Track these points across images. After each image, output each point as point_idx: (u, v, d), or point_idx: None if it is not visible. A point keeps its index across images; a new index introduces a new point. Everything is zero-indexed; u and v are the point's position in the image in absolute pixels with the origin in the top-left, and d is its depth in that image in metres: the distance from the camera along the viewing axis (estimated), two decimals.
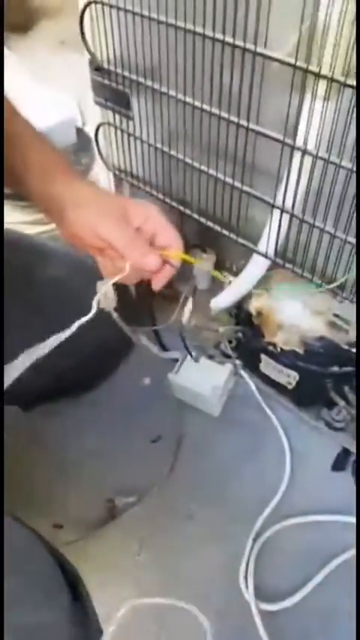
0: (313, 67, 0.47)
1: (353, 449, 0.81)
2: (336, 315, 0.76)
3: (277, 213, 0.60)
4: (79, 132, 1.03)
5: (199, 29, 0.53)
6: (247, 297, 0.84)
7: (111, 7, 0.58)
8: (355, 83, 0.45)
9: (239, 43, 0.50)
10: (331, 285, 0.62)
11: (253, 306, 0.82)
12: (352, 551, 0.73)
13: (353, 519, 0.75)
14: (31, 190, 0.58)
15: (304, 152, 0.52)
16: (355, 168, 0.50)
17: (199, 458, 0.83)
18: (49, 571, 0.39)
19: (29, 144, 0.58)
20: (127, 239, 0.55)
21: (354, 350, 0.75)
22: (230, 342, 0.95)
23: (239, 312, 0.90)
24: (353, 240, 0.55)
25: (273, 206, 0.60)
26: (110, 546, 0.75)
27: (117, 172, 0.79)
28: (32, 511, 0.70)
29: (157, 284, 0.63)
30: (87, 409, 0.90)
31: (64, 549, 0.47)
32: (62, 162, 0.60)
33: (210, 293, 0.97)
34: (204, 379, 0.88)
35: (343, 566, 0.71)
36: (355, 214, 0.53)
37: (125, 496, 0.79)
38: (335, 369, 0.77)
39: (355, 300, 0.64)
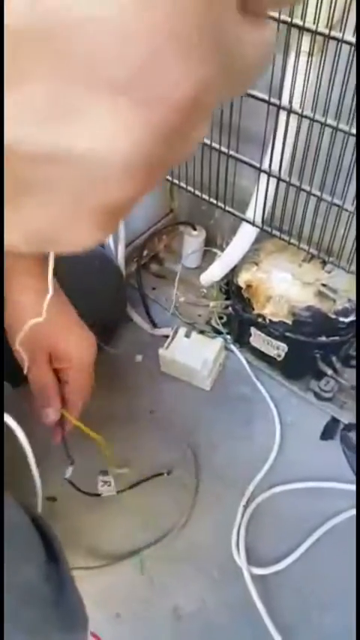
0: (297, 21, 0.47)
1: (341, 418, 0.82)
2: (324, 285, 0.76)
3: (264, 177, 0.60)
4: None
5: None
6: (237, 271, 0.85)
7: None
8: (340, 35, 0.45)
9: None
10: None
11: (243, 279, 0.83)
12: (341, 517, 0.73)
13: (341, 486, 0.76)
14: None
15: (290, 111, 0.53)
16: (352, 130, 0.50)
17: (191, 431, 0.84)
18: (25, 531, 0.39)
19: None
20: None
21: (341, 318, 0.75)
22: (221, 317, 0.96)
23: (229, 287, 0.91)
24: (339, 202, 0.55)
25: (260, 170, 0.60)
26: (107, 519, 0.75)
27: None
28: (25, 485, 0.71)
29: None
30: None
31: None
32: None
33: (200, 271, 0.98)
34: (194, 354, 0.88)
35: (332, 531, 0.72)
36: (352, 178, 0.53)
37: (119, 467, 0.79)
38: (323, 338, 0.78)
39: (351, 270, 0.65)
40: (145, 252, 1.06)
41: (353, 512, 0.74)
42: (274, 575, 0.69)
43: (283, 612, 0.66)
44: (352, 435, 0.81)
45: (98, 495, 0.75)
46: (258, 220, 0.64)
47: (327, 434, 0.83)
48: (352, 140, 0.50)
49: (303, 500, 0.76)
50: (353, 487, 0.76)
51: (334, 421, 0.83)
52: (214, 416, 0.86)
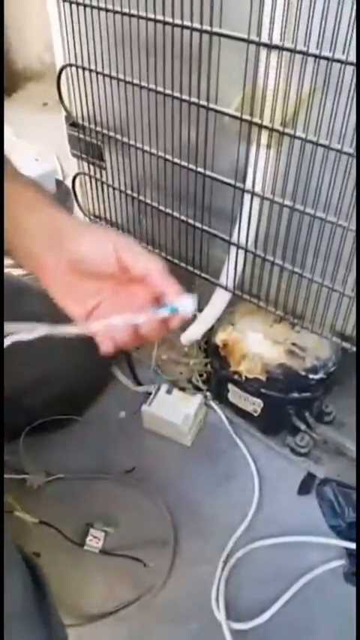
0: (257, 119, 0.55)
1: (317, 472, 0.85)
2: (293, 344, 0.82)
3: (233, 249, 0.67)
4: (59, 184, 1.11)
5: (160, 89, 0.61)
6: (214, 331, 0.90)
7: (84, 69, 0.66)
8: (292, 132, 0.53)
9: (195, 100, 0.58)
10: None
11: (219, 338, 0.88)
12: (320, 569, 0.75)
13: (319, 539, 0.78)
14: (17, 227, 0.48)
15: (253, 194, 0.60)
16: (306, 210, 0.57)
17: (171, 486, 0.87)
18: (11, 555, 0.41)
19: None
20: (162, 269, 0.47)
21: (311, 375, 0.80)
22: (201, 375, 1.00)
23: (208, 346, 0.96)
24: (299, 270, 0.62)
25: (230, 243, 0.67)
26: (85, 572, 0.76)
27: (92, 217, 0.87)
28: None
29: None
30: (66, 442, 0.93)
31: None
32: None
33: (181, 331, 1.03)
34: (176, 409, 0.92)
35: (311, 584, 0.74)
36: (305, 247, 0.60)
37: (104, 525, 0.81)
38: (295, 394, 0.83)
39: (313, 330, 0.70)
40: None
41: (330, 565, 0.76)
42: (254, 630, 0.70)
43: None
44: (328, 489, 0.84)
45: (81, 546, 0.77)
46: (230, 286, 0.70)
47: (304, 489, 0.86)
48: (307, 218, 0.57)
49: (281, 554, 0.78)
50: (329, 541, 0.79)
51: (310, 476, 0.87)
52: (195, 471, 0.89)
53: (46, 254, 0.48)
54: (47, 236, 0.47)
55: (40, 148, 1.52)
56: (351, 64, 0.46)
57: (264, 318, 0.87)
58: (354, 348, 0.65)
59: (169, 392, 0.95)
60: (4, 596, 0.35)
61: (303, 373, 0.81)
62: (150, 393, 0.96)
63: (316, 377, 0.81)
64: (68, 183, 1.09)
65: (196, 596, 0.74)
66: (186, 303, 0.47)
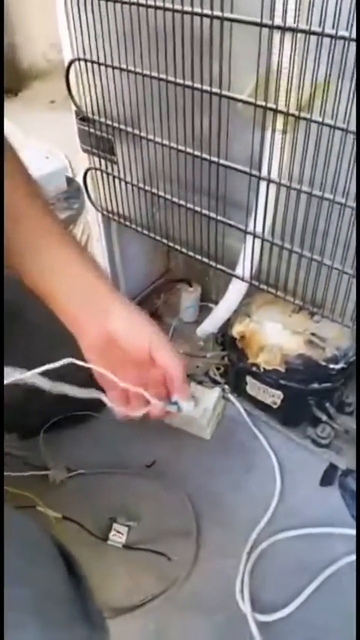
0: (271, 104, 0.54)
1: (339, 464, 0.84)
2: (313, 334, 0.81)
3: (249, 238, 0.66)
4: (70, 181, 1.11)
5: (172, 78, 0.60)
6: (231, 323, 0.90)
7: (93, 62, 0.66)
8: (309, 116, 0.52)
9: (207, 87, 0.57)
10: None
11: (236, 330, 0.87)
12: (343, 561, 0.75)
13: (342, 531, 0.78)
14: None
15: (269, 181, 0.59)
16: (325, 195, 0.56)
17: (192, 479, 0.86)
18: (47, 547, 0.41)
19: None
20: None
21: (331, 365, 0.79)
22: (218, 368, 1.00)
23: (224, 338, 0.95)
24: (318, 257, 0.61)
25: (246, 232, 0.66)
26: (109, 567, 0.76)
27: (105, 213, 0.86)
28: None
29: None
30: (85, 438, 0.93)
31: None
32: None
33: (197, 325, 1.03)
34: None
35: (335, 575, 0.73)
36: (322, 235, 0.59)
37: (127, 519, 0.81)
38: (315, 385, 0.82)
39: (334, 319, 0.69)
40: (144, 310, 1.11)
41: (354, 557, 0.75)
42: (279, 622, 0.70)
43: None
44: (350, 480, 0.83)
45: (105, 540, 0.77)
46: (247, 276, 0.69)
47: (326, 480, 0.85)
48: (326, 203, 0.56)
49: (305, 545, 0.77)
50: (353, 532, 0.78)
51: (333, 467, 0.86)
52: (215, 464, 0.89)
53: (87, 321, 0.51)
54: (84, 298, 0.51)
55: (49, 146, 1.52)
56: None
57: (282, 309, 0.86)
58: None
59: None
60: (46, 584, 0.35)
61: (323, 363, 0.80)
62: None
63: (337, 367, 0.80)
64: (79, 180, 1.09)
65: (220, 588, 0.74)
66: (188, 406, 0.57)
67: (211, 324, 0.89)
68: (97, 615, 0.43)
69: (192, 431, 0.93)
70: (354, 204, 0.54)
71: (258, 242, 0.65)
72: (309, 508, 0.82)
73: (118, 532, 0.80)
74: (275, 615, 0.70)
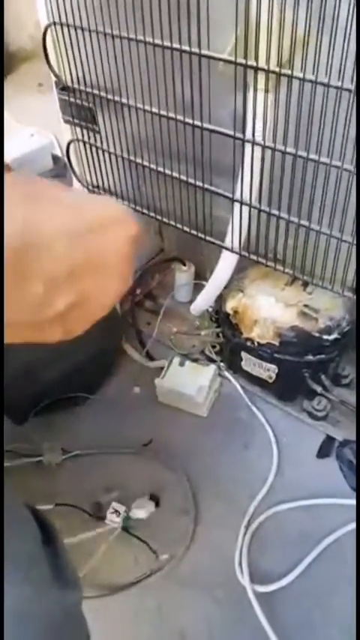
0: (252, 62, 0.52)
1: (336, 435, 0.84)
2: (305, 306, 0.79)
3: (237, 206, 0.64)
4: (56, 160, 1.09)
5: (150, 39, 0.58)
6: (224, 299, 0.88)
7: (69, 27, 0.64)
8: (290, 72, 0.50)
9: (186, 48, 0.56)
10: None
11: (229, 306, 0.86)
12: (341, 531, 0.74)
13: (340, 501, 0.77)
14: None
15: (253, 143, 0.57)
16: (310, 156, 0.54)
17: (190, 456, 0.86)
18: (21, 513, 0.41)
19: None
20: None
21: (325, 336, 0.78)
22: (213, 346, 0.99)
23: (219, 316, 0.94)
24: (306, 222, 0.59)
25: (233, 200, 0.64)
26: (107, 545, 0.76)
27: (91, 188, 0.84)
28: None
29: None
30: (79, 419, 0.93)
31: None
32: None
33: (191, 304, 1.01)
34: (190, 381, 0.90)
35: (333, 546, 0.73)
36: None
37: (124, 498, 0.81)
38: (310, 357, 0.80)
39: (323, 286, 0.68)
40: (138, 290, 1.10)
41: (353, 526, 0.75)
42: (277, 592, 0.69)
43: (289, 628, 0.66)
44: (347, 451, 0.82)
45: (103, 519, 0.76)
46: (236, 247, 0.68)
47: (323, 452, 0.84)
48: (311, 165, 0.54)
49: (303, 517, 0.77)
50: (351, 502, 0.77)
51: (330, 439, 0.85)
52: (212, 441, 0.88)
53: None
54: None
55: (37, 128, 1.50)
56: None
57: (275, 282, 0.84)
58: None
59: (181, 364, 0.93)
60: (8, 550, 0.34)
61: (317, 334, 0.78)
62: (162, 368, 0.94)
63: (330, 337, 0.79)
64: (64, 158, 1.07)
65: (219, 561, 0.73)
66: None
67: (204, 301, 0.88)
68: (69, 575, 0.42)
69: (188, 409, 0.92)
70: (339, 164, 0.52)
71: (246, 210, 0.64)
72: (306, 480, 0.81)
73: (116, 510, 0.80)
74: (274, 586, 0.69)
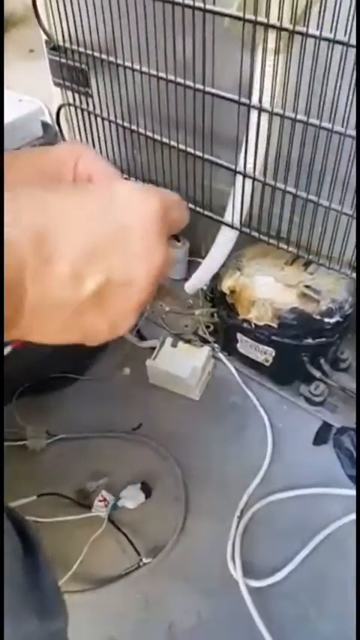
0: (262, 18, 0.47)
1: (334, 422, 0.81)
2: (307, 287, 0.76)
3: (239, 179, 0.60)
4: (46, 127, 1.03)
5: None
6: (220, 277, 0.84)
7: None
8: (304, 30, 0.45)
9: (188, 1, 0.50)
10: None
11: (226, 285, 0.82)
12: (339, 523, 0.71)
13: (337, 491, 0.74)
14: None
15: (260, 110, 0.53)
16: (323, 124, 0.50)
17: (181, 442, 0.82)
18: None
19: None
20: None
21: (326, 319, 0.75)
22: (208, 326, 0.95)
23: (214, 295, 0.90)
24: (314, 198, 0.55)
25: (235, 172, 0.60)
26: (94, 531, 0.73)
27: None
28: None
29: None
30: (64, 402, 0.89)
31: None
32: None
33: (185, 282, 0.97)
34: (182, 363, 0.87)
35: (330, 538, 0.70)
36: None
37: (112, 486, 0.78)
38: (309, 340, 0.77)
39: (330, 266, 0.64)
40: None
41: (351, 517, 0.72)
42: (271, 587, 0.66)
43: (282, 625, 0.63)
44: (345, 438, 0.79)
45: (89, 508, 0.73)
46: (236, 222, 0.63)
47: (320, 439, 0.81)
48: (324, 134, 0.50)
49: (299, 507, 0.74)
50: (349, 492, 0.74)
51: (327, 425, 0.82)
52: (204, 426, 0.85)
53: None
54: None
55: (27, 96, 1.43)
56: None
57: (274, 261, 0.80)
58: None
59: (174, 345, 0.89)
60: None
61: (317, 317, 0.75)
62: (154, 349, 0.90)
63: (332, 321, 0.75)
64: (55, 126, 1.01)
65: (210, 553, 0.70)
66: None
67: (199, 279, 0.83)
68: (51, 601, 0.39)
69: (180, 391, 0.89)
70: (354, 133, 0.48)
71: (248, 183, 0.59)
72: (302, 468, 0.78)
73: (104, 499, 0.76)
74: (268, 580, 0.67)
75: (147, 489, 0.76)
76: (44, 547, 0.41)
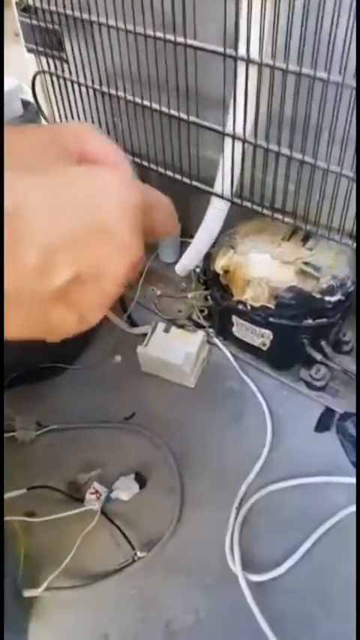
0: None
1: (336, 407, 0.76)
2: (305, 263, 0.71)
3: (228, 142, 0.55)
4: (26, 105, 0.98)
5: None
6: (213, 257, 0.79)
7: None
8: None
9: None
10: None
11: (219, 265, 0.77)
12: (343, 513, 0.67)
13: (340, 479, 0.70)
14: None
15: (248, 61, 0.47)
16: (318, 74, 0.45)
17: (176, 431, 0.78)
18: None
19: None
20: None
21: (327, 298, 0.70)
22: (202, 310, 0.90)
23: (207, 276, 0.85)
24: (311, 159, 0.50)
25: (224, 134, 0.55)
26: (87, 525, 0.69)
27: None
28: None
29: None
30: (55, 392, 0.85)
31: None
32: None
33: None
34: (175, 348, 0.82)
35: (334, 529, 0.66)
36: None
37: (105, 478, 0.73)
38: (309, 321, 0.72)
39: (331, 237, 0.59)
40: None
41: (355, 507, 0.68)
42: (272, 581, 0.62)
43: (284, 621, 0.59)
44: (349, 424, 0.75)
45: (81, 501, 0.69)
46: (227, 192, 0.58)
47: (322, 425, 0.77)
48: (319, 86, 0.45)
49: (300, 497, 0.70)
50: (353, 480, 0.70)
51: (329, 411, 0.77)
52: (200, 414, 0.80)
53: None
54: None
55: (12, 79, 1.37)
56: None
57: (270, 237, 0.75)
58: None
59: (166, 331, 0.84)
60: None
61: (318, 296, 0.70)
62: (146, 335, 0.86)
63: (333, 299, 0.70)
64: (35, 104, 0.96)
65: (208, 546, 0.66)
66: None
67: (190, 259, 0.79)
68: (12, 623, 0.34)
69: (174, 379, 0.84)
70: (353, 83, 0.43)
71: (239, 146, 0.54)
72: (304, 456, 0.74)
73: (96, 491, 0.72)
74: (269, 574, 0.62)
75: (141, 480, 0.72)
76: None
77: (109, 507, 0.70)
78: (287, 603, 0.61)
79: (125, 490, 0.70)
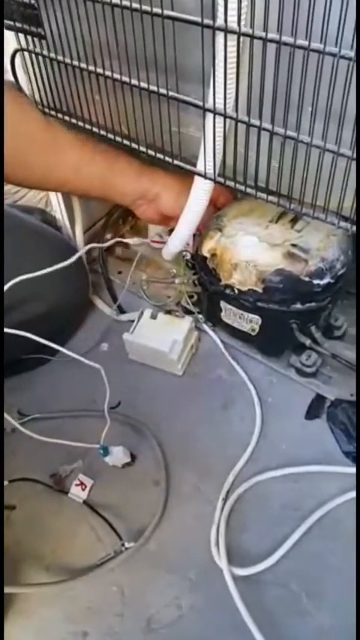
0: None
1: (327, 394, 0.74)
2: (294, 245, 0.69)
3: (209, 117, 0.52)
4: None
5: None
6: (200, 241, 0.77)
7: None
8: None
9: None
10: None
11: (206, 248, 0.75)
12: (334, 502, 0.65)
13: (331, 468, 0.68)
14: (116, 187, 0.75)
15: (226, 31, 0.45)
16: (298, 42, 0.42)
17: (162, 420, 0.76)
18: None
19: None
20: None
21: (316, 281, 0.68)
22: (191, 296, 0.88)
23: (195, 260, 0.83)
24: (294, 133, 0.48)
25: (204, 109, 0.52)
26: (69, 522, 0.67)
27: (47, 111, 0.71)
28: None
29: None
30: (38, 382, 0.83)
31: None
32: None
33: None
34: (162, 336, 0.80)
35: (325, 519, 0.64)
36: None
37: (90, 467, 0.72)
38: (298, 305, 0.70)
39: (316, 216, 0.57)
40: (108, 235, 0.98)
41: (347, 496, 0.66)
42: (259, 575, 0.61)
43: (272, 617, 0.57)
44: (340, 411, 0.73)
45: (65, 493, 0.68)
46: (210, 172, 0.56)
47: (312, 412, 0.75)
48: (300, 54, 0.42)
49: (289, 487, 0.68)
50: (344, 469, 0.68)
51: (320, 398, 0.76)
52: (188, 402, 0.79)
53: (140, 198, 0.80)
54: (136, 180, 0.76)
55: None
56: None
57: (258, 220, 0.73)
58: None
59: (153, 317, 0.83)
60: None
61: (306, 279, 0.68)
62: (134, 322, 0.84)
63: (322, 282, 0.68)
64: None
65: (193, 539, 0.65)
66: None
67: (175, 242, 0.76)
68: None
69: (161, 367, 0.82)
70: (335, 50, 0.41)
71: (220, 121, 0.52)
72: (293, 445, 0.72)
73: (81, 483, 0.71)
74: (256, 567, 0.61)
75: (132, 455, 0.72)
76: None
77: (93, 499, 0.68)
78: (275, 597, 0.59)
79: (116, 458, 0.70)
